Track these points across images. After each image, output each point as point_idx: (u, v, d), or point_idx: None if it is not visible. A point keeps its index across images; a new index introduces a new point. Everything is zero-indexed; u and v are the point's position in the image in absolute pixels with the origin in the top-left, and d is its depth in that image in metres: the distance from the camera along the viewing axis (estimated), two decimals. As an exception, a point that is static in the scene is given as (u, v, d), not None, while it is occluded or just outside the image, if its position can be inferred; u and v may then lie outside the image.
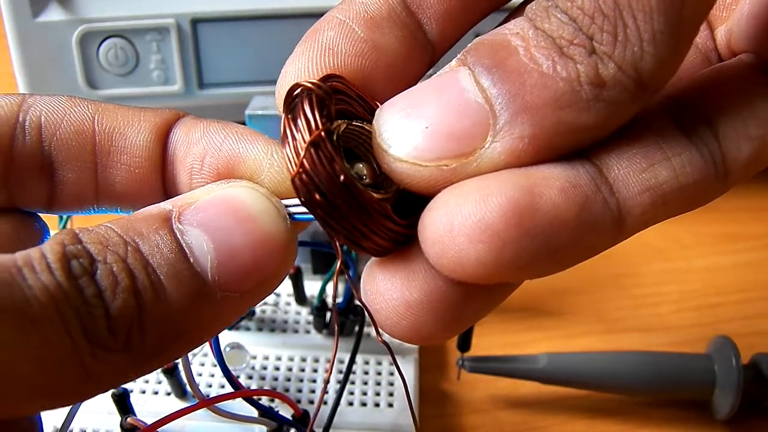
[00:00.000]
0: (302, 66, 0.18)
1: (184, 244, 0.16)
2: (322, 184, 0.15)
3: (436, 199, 0.15)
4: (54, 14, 0.34)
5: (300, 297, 0.35)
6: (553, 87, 0.15)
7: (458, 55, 0.16)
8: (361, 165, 0.17)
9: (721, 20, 0.20)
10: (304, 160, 0.15)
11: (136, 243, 0.16)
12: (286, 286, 0.35)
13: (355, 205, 0.16)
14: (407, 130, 0.16)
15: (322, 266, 0.34)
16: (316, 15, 0.39)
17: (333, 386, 0.31)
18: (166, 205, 0.17)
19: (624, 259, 0.42)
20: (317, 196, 0.15)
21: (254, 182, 0.18)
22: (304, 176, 0.15)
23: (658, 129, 0.17)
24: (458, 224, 0.15)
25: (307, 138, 0.15)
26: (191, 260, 0.16)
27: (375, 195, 0.16)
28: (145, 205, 0.17)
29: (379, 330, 0.17)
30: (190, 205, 0.17)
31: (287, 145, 0.16)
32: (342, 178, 0.15)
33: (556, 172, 0.15)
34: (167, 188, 0.19)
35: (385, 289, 0.17)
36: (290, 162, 0.16)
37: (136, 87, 0.35)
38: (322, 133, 0.15)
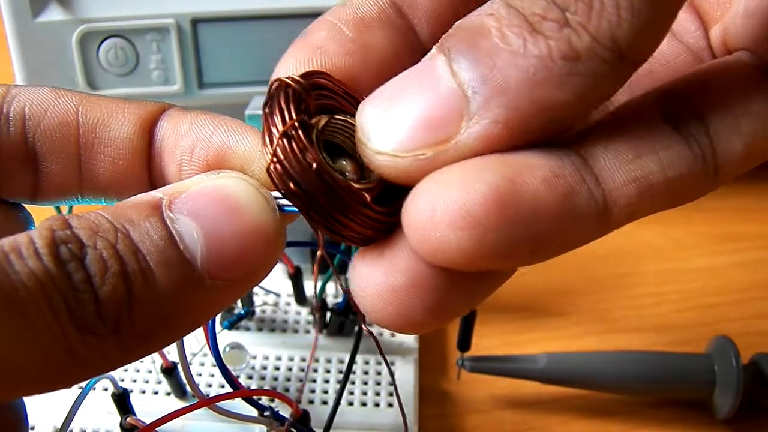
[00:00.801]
0: (291, 66, 0.18)
1: (174, 232, 0.16)
2: (295, 173, 0.16)
3: (420, 185, 0.15)
4: (54, 14, 0.34)
5: (300, 297, 0.35)
6: (524, 66, 0.15)
7: (438, 42, 0.16)
8: (345, 160, 0.17)
9: (716, 19, 0.20)
10: (277, 149, 0.16)
11: (126, 229, 0.16)
12: (286, 286, 0.35)
13: (329, 194, 0.16)
14: (385, 123, 0.16)
15: (321, 266, 0.34)
16: (316, 15, 0.38)
17: (333, 386, 0.31)
18: (156, 193, 0.17)
19: (624, 259, 0.42)
20: (292, 186, 0.16)
21: (245, 174, 0.18)
22: (278, 166, 0.16)
23: (647, 122, 0.16)
24: (440, 210, 0.15)
25: (281, 129, 0.16)
26: (181, 247, 0.16)
27: (354, 185, 0.16)
28: (130, 196, 0.17)
29: (365, 319, 0.17)
30: (180, 194, 0.17)
31: (264, 139, 0.16)
32: (314, 166, 0.16)
33: (539, 161, 0.15)
34: (154, 180, 0.20)
35: (370, 274, 0.17)
36: (266, 154, 0.16)
37: (136, 87, 0.35)
38: (295, 124, 0.16)
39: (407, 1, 0.19)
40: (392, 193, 0.17)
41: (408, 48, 0.19)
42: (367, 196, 0.16)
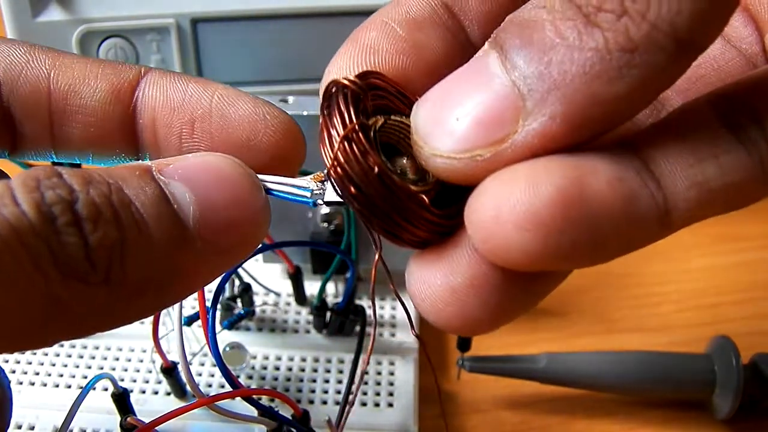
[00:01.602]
0: (344, 65, 0.18)
1: (167, 191, 0.16)
2: (356, 176, 0.16)
3: (485, 184, 0.15)
4: (54, 14, 0.34)
5: (300, 297, 0.35)
6: (581, 60, 0.14)
7: (490, 37, 0.16)
8: (405, 160, 0.17)
9: None
10: (339, 153, 0.16)
11: (119, 184, 0.16)
12: (286, 286, 0.35)
13: (390, 197, 0.16)
14: (439, 124, 0.16)
15: (322, 266, 0.34)
16: (316, 15, 0.39)
17: (333, 386, 0.31)
18: (144, 161, 0.17)
19: (624, 259, 0.41)
20: (352, 189, 0.16)
21: (251, 144, 0.18)
22: (339, 169, 0.16)
23: (705, 127, 0.16)
24: (506, 211, 0.15)
25: (341, 132, 0.16)
26: (174, 206, 0.16)
27: (413, 187, 0.16)
28: (110, 155, 0.17)
29: (413, 324, 0.17)
30: (169, 164, 0.17)
31: (323, 141, 0.16)
32: (376, 170, 0.16)
33: (603, 164, 0.15)
34: (145, 149, 0.20)
35: (430, 275, 0.17)
36: (326, 157, 0.16)
37: (136, 87, 0.35)
38: (356, 127, 0.16)
39: (458, 1, 0.19)
40: (450, 193, 0.17)
41: (460, 48, 0.19)
42: (426, 198, 0.16)
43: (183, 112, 0.19)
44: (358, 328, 0.32)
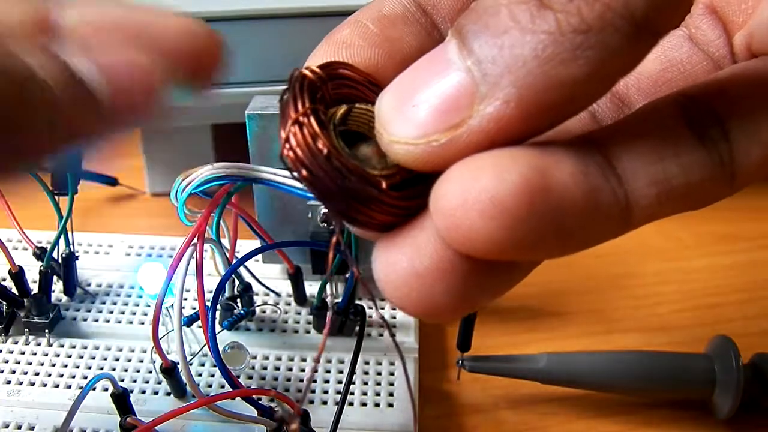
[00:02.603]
0: (317, 62, 0.18)
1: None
2: (306, 159, 0.16)
3: (451, 171, 0.15)
4: (54, 14, 0.34)
5: (300, 297, 0.35)
6: (533, 42, 0.14)
7: (453, 26, 0.16)
8: (370, 148, 0.17)
9: (739, 26, 0.20)
10: (290, 137, 0.16)
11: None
12: (286, 286, 0.35)
13: (341, 180, 0.16)
14: (398, 111, 0.16)
15: (322, 266, 0.34)
16: (317, 15, 0.39)
17: (333, 386, 0.31)
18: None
19: (624, 259, 0.42)
20: (304, 172, 0.16)
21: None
22: (290, 153, 0.16)
23: (669, 126, 0.16)
24: (471, 198, 0.15)
25: (293, 117, 0.16)
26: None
27: (372, 171, 0.16)
28: None
29: (377, 305, 0.17)
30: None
31: (280, 127, 0.17)
32: (325, 152, 0.16)
33: (568, 157, 0.15)
34: None
35: (395, 258, 0.17)
36: (280, 141, 0.16)
37: (136, 87, 0.35)
38: (307, 111, 0.16)
39: (431, 0, 0.19)
40: (418, 181, 0.17)
41: (432, 44, 0.19)
42: (384, 182, 0.16)
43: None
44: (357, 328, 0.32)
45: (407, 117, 0.16)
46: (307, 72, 0.17)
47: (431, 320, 0.16)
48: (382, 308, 0.35)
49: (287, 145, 0.16)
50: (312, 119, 0.16)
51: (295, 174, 0.16)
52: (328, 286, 0.34)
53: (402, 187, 0.17)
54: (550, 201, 0.15)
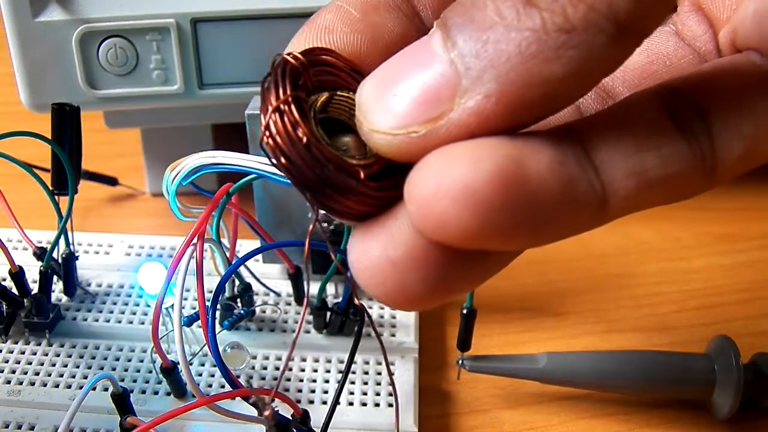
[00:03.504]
0: (299, 47, 0.18)
1: None
2: (285, 147, 0.16)
3: (425, 160, 0.15)
4: (54, 14, 0.34)
5: (300, 297, 0.35)
6: (517, 39, 0.14)
7: (439, 18, 0.16)
8: (351, 136, 0.17)
9: (723, 22, 0.20)
10: (270, 124, 0.16)
11: None
12: (286, 286, 0.35)
13: (319, 168, 0.16)
14: (379, 100, 0.16)
15: (322, 266, 0.34)
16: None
17: (333, 386, 0.31)
18: None
19: (624, 259, 0.42)
20: (282, 160, 0.16)
21: None
22: (270, 140, 0.16)
23: (649, 118, 0.16)
24: (445, 187, 0.15)
25: (274, 104, 0.16)
26: None
27: (350, 160, 0.16)
28: None
29: (358, 295, 0.17)
30: None
31: (260, 113, 0.16)
32: (304, 140, 0.16)
33: (545, 147, 0.15)
34: None
35: (368, 247, 0.17)
36: (261, 128, 0.16)
37: (136, 87, 0.35)
38: (288, 99, 0.16)
39: None
40: (396, 171, 0.17)
41: (415, 32, 0.19)
42: (362, 172, 0.16)
43: None
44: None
45: (387, 106, 0.16)
46: (289, 58, 0.17)
47: (407, 309, 0.16)
48: (371, 307, 0.35)
49: (267, 133, 0.16)
50: (293, 107, 0.16)
51: (275, 161, 0.16)
52: (329, 286, 0.34)
53: (380, 178, 0.17)
54: (524, 191, 0.15)
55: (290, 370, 0.32)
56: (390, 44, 0.18)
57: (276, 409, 0.27)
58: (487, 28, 0.15)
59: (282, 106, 0.16)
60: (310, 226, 0.18)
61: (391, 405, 0.31)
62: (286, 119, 0.16)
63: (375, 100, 0.16)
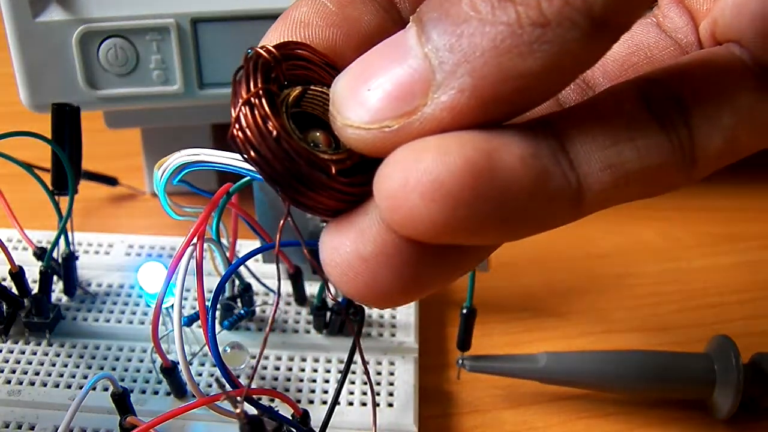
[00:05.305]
0: (273, 41, 0.18)
1: None
2: (255, 141, 0.16)
3: (394, 153, 0.15)
4: (54, 14, 0.34)
5: (300, 297, 0.35)
6: (491, 33, 0.14)
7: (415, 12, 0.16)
8: (324, 131, 0.17)
9: (704, 14, 0.20)
10: (241, 116, 0.16)
11: None
12: (286, 286, 0.35)
13: (290, 163, 0.16)
14: (352, 95, 0.16)
15: (322, 266, 0.34)
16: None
17: (333, 386, 0.31)
18: None
19: (624, 259, 0.42)
20: (252, 153, 0.16)
21: None
22: (240, 134, 0.16)
23: (627, 110, 0.16)
24: (413, 180, 0.15)
25: (245, 97, 0.16)
26: None
27: (323, 155, 0.16)
28: None
29: (330, 289, 0.17)
30: None
31: (231, 106, 0.16)
32: (274, 134, 0.16)
33: (517, 140, 0.15)
34: None
35: (339, 243, 0.16)
36: (231, 121, 0.16)
37: (136, 87, 0.35)
38: (259, 92, 0.16)
39: None
40: (369, 166, 0.16)
41: (392, 25, 0.18)
42: (333, 167, 0.16)
43: None
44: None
45: (361, 101, 0.16)
46: (261, 51, 0.17)
47: (380, 306, 0.16)
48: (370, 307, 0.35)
49: (237, 126, 0.16)
50: (263, 100, 0.16)
51: (245, 155, 0.16)
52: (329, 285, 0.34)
53: (352, 173, 0.16)
54: (494, 184, 0.15)
55: (290, 370, 0.32)
56: (366, 38, 0.18)
57: (276, 409, 0.27)
58: (461, 22, 0.15)
59: (252, 99, 0.16)
60: (281, 222, 0.18)
61: (391, 405, 0.31)
62: (256, 112, 0.16)
63: (349, 94, 0.16)
